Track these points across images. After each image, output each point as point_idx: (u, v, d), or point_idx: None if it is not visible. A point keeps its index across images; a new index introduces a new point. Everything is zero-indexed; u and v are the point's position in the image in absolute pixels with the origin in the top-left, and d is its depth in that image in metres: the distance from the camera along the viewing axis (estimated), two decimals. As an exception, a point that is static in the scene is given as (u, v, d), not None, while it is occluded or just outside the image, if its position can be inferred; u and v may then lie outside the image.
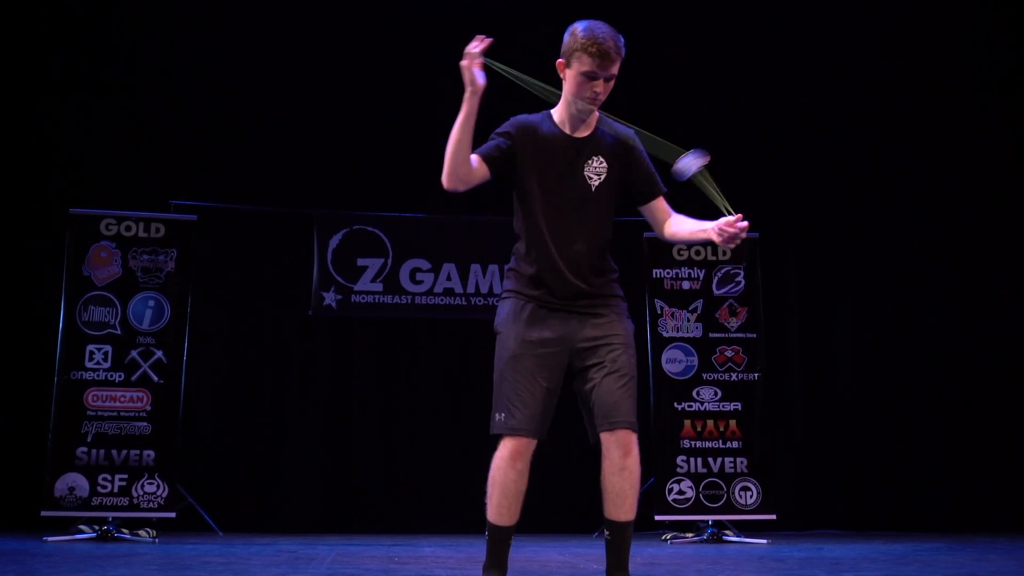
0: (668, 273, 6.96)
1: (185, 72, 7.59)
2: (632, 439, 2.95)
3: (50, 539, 5.75)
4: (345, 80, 7.83)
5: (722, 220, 2.92)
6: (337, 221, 7.37)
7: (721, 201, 2.95)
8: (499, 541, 3.01)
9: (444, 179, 2.92)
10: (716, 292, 6.94)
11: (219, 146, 7.64)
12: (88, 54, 7.45)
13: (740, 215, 2.91)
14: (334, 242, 7.32)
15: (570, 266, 3.00)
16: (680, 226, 3.11)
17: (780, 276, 7.92)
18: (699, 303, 6.92)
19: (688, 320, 6.90)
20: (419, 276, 7.40)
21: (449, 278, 7.39)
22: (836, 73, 8.15)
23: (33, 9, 7.34)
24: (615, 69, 2.96)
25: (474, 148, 2.94)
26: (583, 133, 3.07)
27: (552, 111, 3.11)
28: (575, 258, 3.00)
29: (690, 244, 3.09)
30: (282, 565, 4.45)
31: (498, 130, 3.07)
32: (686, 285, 6.95)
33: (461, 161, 2.90)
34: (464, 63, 2.87)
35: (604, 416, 2.94)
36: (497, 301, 3.17)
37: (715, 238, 2.94)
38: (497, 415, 2.95)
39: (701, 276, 6.96)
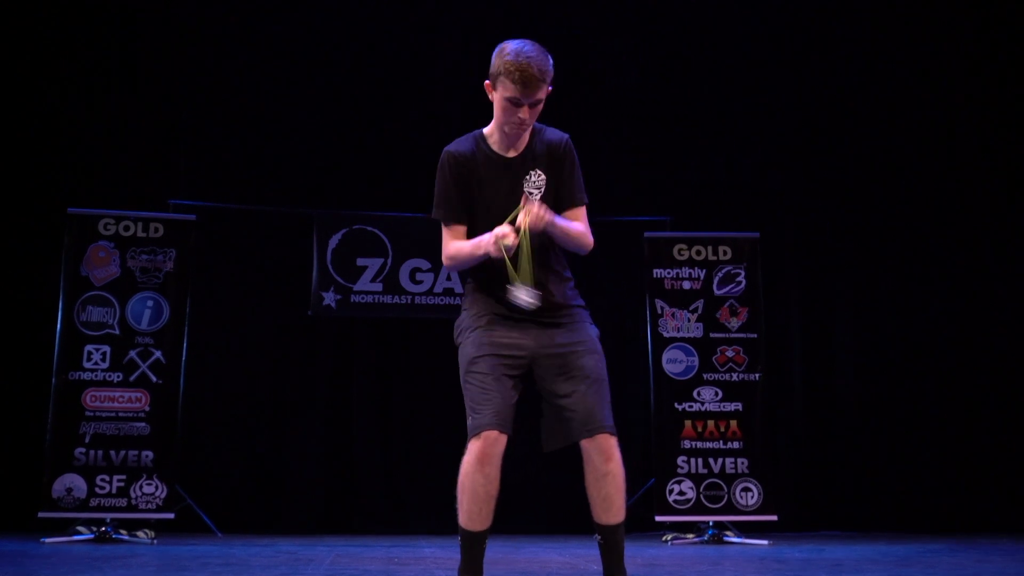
0: (668, 273, 6.94)
1: (184, 72, 7.57)
2: (612, 443, 2.88)
3: (48, 540, 5.74)
4: (345, 80, 7.82)
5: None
6: (337, 221, 7.34)
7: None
8: (473, 545, 2.94)
9: (446, 266, 3.17)
10: (717, 292, 6.92)
11: (219, 146, 7.63)
12: (87, 54, 7.44)
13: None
14: (334, 242, 7.29)
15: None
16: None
17: (780, 276, 7.91)
18: (700, 303, 6.90)
19: (688, 320, 6.88)
20: (419, 276, 7.38)
21: (449, 278, 7.37)
22: (836, 73, 8.13)
23: (32, 9, 7.32)
24: (541, 95, 2.89)
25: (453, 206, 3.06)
26: (519, 149, 3.02)
27: (484, 130, 3.06)
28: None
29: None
30: (282, 566, 4.44)
31: (438, 176, 3.04)
32: (686, 285, 6.93)
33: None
34: (495, 246, 2.86)
35: (581, 424, 2.88)
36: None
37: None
38: (468, 422, 2.90)
39: (702, 276, 6.94)
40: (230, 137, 7.64)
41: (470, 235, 3.02)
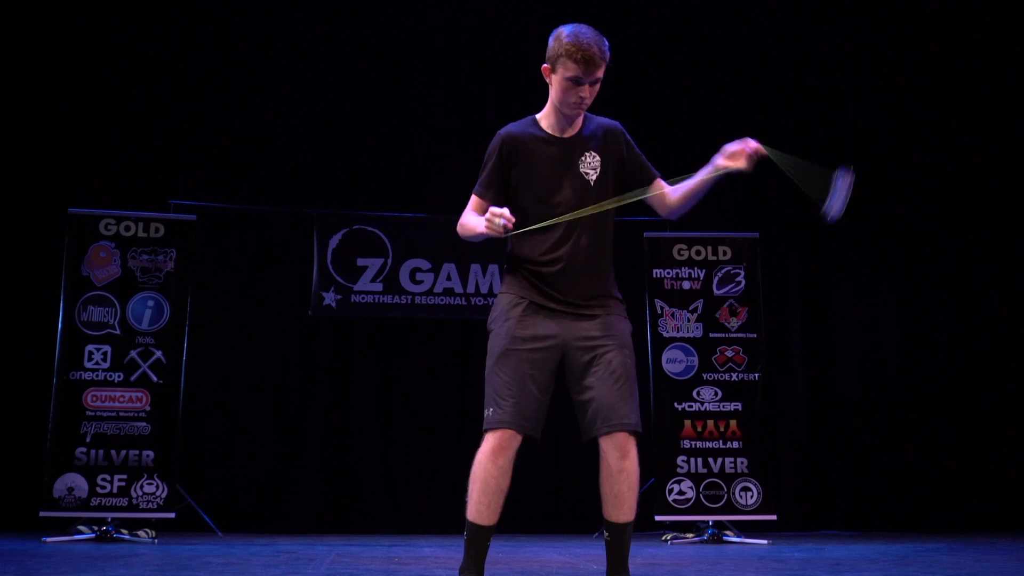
0: (668, 273, 6.95)
1: (185, 72, 7.58)
2: (630, 442, 2.93)
3: (49, 540, 5.74)
4: (345, 80, 7.83)
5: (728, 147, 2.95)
6: (337, 221, 7.36)
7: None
8: (478, 541, 2.94)
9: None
10: (716, 292, 6.93)
11: (219, 146, 7.64)
12: (88, 54, 7.44)
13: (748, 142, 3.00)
14: (334, 242, 7.31)
15: (571, 262, 3.00)
16: (679, 187, 3.10)
17: (780, 276, 7.91)
18: (699, 303, 6.91)
19: (688, 320, 6.89)
20: (419, 276, 7.39)
21: (449, 278, 7.38)
22: (836, 73, 8.14)
23: (32, 9, 7.33)
24: (600, 73, 2.97)
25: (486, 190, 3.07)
26: (572, 132, 3.10)
27: (538, 116, 3.13)
28: (577, 254, 3.00)
29: (697, 195, 3.04)
30: (282, 565, 4.44)
31: (488, 153, 3.10)
32: (686, 285, 6.94)
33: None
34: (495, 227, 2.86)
35: (602, 419, 2.91)
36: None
37: (722, 162, 3.00)
38: (486, 411, 2.93)
39: (701, 276, 6.95)
40: (230, 137, 7.65)
41: (518, 210, 3.01)
